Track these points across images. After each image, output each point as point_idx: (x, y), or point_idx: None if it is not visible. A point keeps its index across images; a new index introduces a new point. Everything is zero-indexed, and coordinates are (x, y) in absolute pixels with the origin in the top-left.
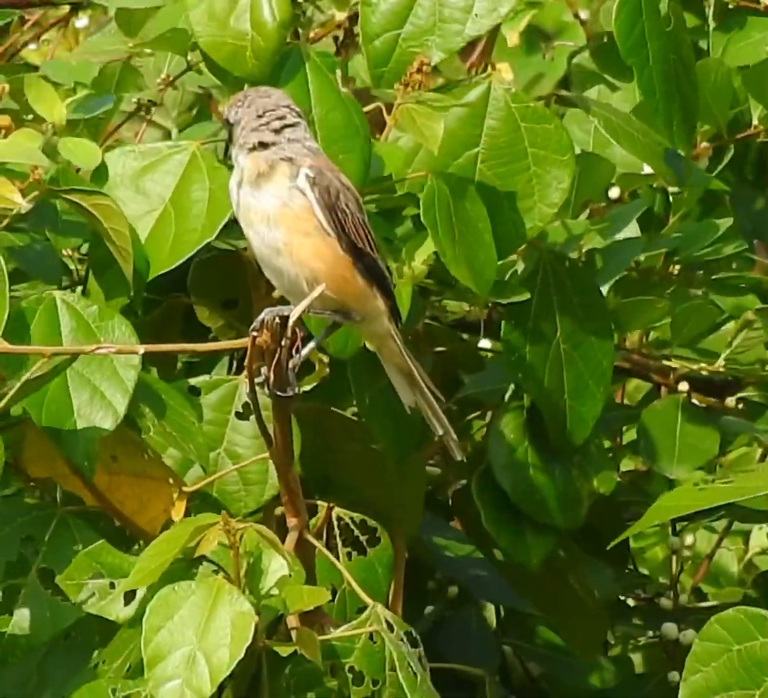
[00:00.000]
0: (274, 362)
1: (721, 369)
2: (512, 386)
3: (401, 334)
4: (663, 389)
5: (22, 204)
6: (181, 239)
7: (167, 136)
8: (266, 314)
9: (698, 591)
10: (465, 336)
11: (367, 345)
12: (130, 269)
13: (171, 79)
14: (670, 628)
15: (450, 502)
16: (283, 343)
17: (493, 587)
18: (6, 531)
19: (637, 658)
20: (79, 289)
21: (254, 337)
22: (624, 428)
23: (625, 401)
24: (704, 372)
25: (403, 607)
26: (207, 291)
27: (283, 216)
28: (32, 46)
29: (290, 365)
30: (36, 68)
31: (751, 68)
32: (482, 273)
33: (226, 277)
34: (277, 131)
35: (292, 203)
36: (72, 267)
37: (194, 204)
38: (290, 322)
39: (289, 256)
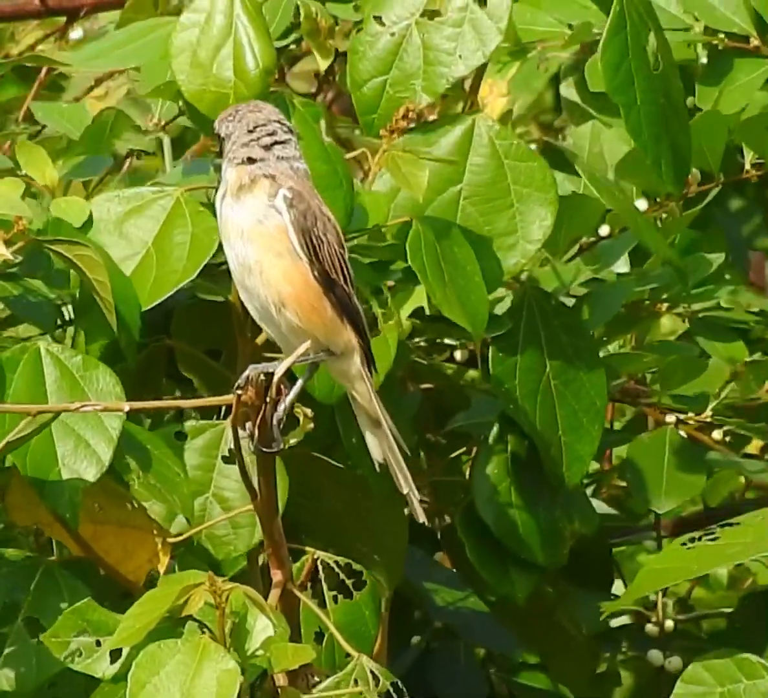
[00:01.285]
0: (259, 419)
1: (709, 420)
2: (497, 422)
3: (373, 379)
4: (650, 417)
5: (7, 255)
6: (161, 280)
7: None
8: (251, 371)
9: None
10: (450, 371)
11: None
12: (113, 319)
13: (163, 123)
14: (655, 655)
15: (438, 535)
16: (267, 399)
17: (479, 627)
18: None
19: (624, 681)
20: (69, 331)
21: (239, 395)
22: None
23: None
24: (692, 422)
25: (388, 638)
26: (191, 338)
27: (256, 232)
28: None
29: (275, 421)
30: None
31: (745, 120)
32: (475, 313)
33: (211, 324)
34: (266, 147)
35: (267, 221)
36: (65, 312)
37: (176, 246)
38: (275, 379)
39: (259, 275)
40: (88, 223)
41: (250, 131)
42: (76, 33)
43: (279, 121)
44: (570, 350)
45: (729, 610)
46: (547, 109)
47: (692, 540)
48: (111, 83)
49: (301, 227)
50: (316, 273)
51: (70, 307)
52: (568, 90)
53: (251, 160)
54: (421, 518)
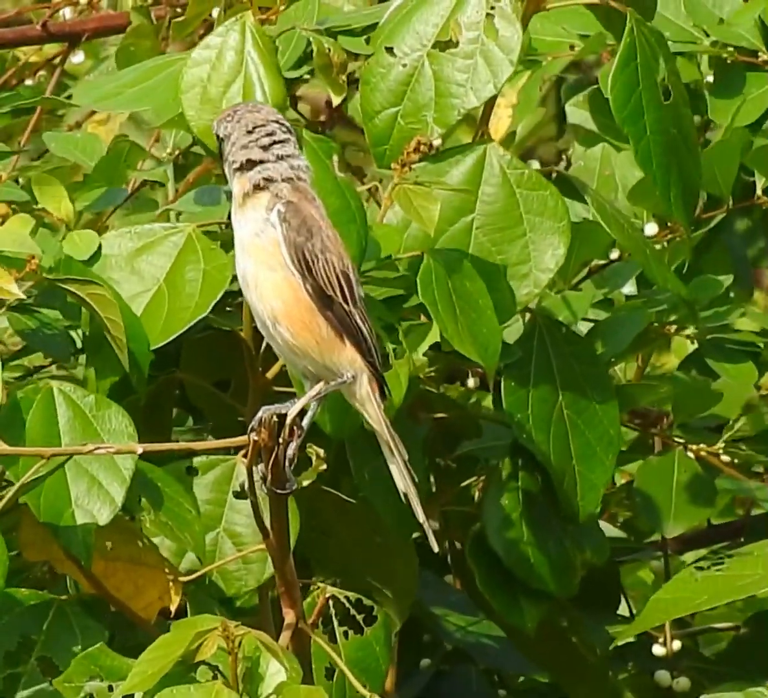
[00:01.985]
0: (272, 460)
1: (720, 451)
2: (508, 451)
3: (385, 404)
4: (657, 438)
5: (18, 294)
6: (173, 317)
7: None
8: (263, 412)
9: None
10: (460, 397)
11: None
12: (125, 357)
13: (177, 153)
14: (663, 676)
15: (448, 560)
16: (280, 440)
17: (491, 649)
18: (4, 620)
19: None
20: (81, 359)
21: (254, 438)
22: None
23: None
24: (703, 453)
25: (398, 661)
26: (201, 370)
27: (253, 246)
28: (28, 82)
29: (287, 462)
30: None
31: (758, 148)
32: (487, 346)
33: (221, 356)
34: (265, 148)
35: (264, 234)
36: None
37: (188, 283)
38: (288, 420)
39: (255, 289)
40: (96, 256)
41: (249, 132)
42: (77, 57)
43: (277, 121)
44: (582, 379)
45: (730, 625)
46: (549, 130)
47: (699, 568)
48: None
49: (293, 242)
50: (309, 288)
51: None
52: (573, 110)
53: (251, 163)
54: (436, 548)
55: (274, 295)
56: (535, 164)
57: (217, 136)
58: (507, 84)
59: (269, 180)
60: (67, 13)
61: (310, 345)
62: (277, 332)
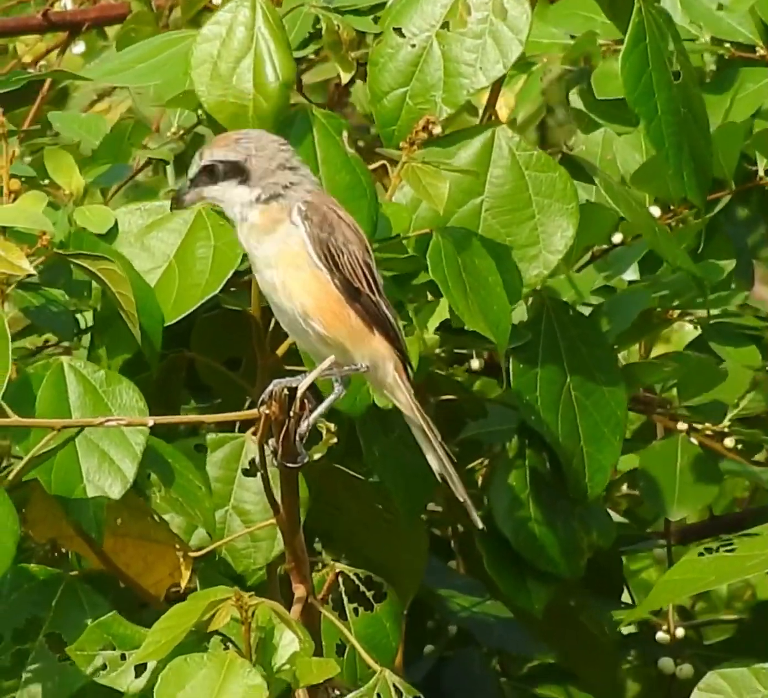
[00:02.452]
0: (283, 433)
1: (726, 430)
2: (515, 433)
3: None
4: (659, 424)
5: (29, 270)
6: (184, 294)
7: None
8: (274, 386)
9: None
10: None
11: (378, 399)
12: (137, 332)
13: (181, 132)
14: (666, 663)
15: (452, 543)
16: (291, 414)
17: (496, 632)
18: (13, 597)
19: (632, 688)
20: (85, 339)
21: (264, 411)
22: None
23: None
24: (709, 432)
25: (403, 646)
26: (210, 349)
27: (280, 254)
28: (31, 71)
29: (298, 436)
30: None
31: (760, 131)
32: (498, 323)
33: (230, 335)
34: (290, 171)
35: (290, 240)
36: (82, 322)
37: (198, 260)
38: (298, 394)
39: (282, 290)
40: (114, 231)
41: (271, 159)
42: (78, 47)
43: (285, 145)
44: (590, 361)
45: (734, 617)
46: (554, 118)
47: (708, 550)
48: (113, 98)
49: (317, 238)
50: (336, 281)
51: (86, 315)
52: (576, 97)
53: (275, 194)
54: (480, 524)
55: (304, 292)
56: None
57: (234, 162)
58: (505, 87)
59: (282, 198)
60: (67, 2)
61: (342, 335)
62: (309, 326)
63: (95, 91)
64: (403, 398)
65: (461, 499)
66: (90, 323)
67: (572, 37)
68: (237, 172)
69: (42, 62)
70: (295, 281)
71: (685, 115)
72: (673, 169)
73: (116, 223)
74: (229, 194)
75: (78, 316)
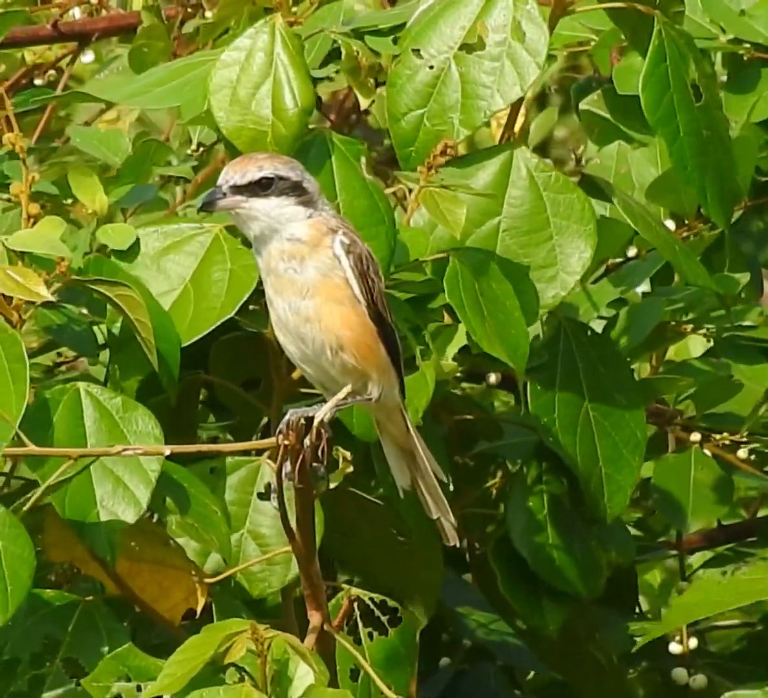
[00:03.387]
0: (299, 462)
1: (744, 439)
2: (532, 450)
3: (410, 414)
4: (671, 435)
5: (47, 296)
6: (199, 317)
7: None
8: (291, 415)
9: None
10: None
11: (375, 420)
12: (155, 359)
13: (201, 151)
14: (680, 674)
15: (467, 558)
16: (307, 442)
17: (513, 648)
18: (30, 622)
19: None
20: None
21: (283, 442)
22: None
23: None
24: (726, 442)
25: (418, 660)
26: (228, 371)
27: (322, 286)
28: (38, 82)
29: (317, 463)
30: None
31: None
32: (516, 348)
33: (247, 357)
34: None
35: (333, 274)
36: (100, 336)
37: (214, 283)
38: (315, 423)
39: (318, 323)
40: (135, 248)
41: (315, 184)
42: (87, 56)
43: None
44: (608, 382)
45: (740, 621)
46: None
47: (723, 573)
48: (122, 107)
49: (359, 272)
50: (371, 314)
51: (103, 327)
52: (587, 108)
53: (321, 219)
54: (452, 541)
55: (343, 325)
56: (549, 162)
57: (289, 177)
58: None
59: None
60: (76, 12)
61: (371, 366)
62: (338, 358)
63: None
64: (400, 420)
65: (435, 516)
66: (106, 337)
67: (596, 30)
68: (295, 190)
69: (51, 71)
70: (333, 315)
71: (708, 137)
72: (696, 190)
73: (137, 241)
74: (283, 211)
75: (96, 329)
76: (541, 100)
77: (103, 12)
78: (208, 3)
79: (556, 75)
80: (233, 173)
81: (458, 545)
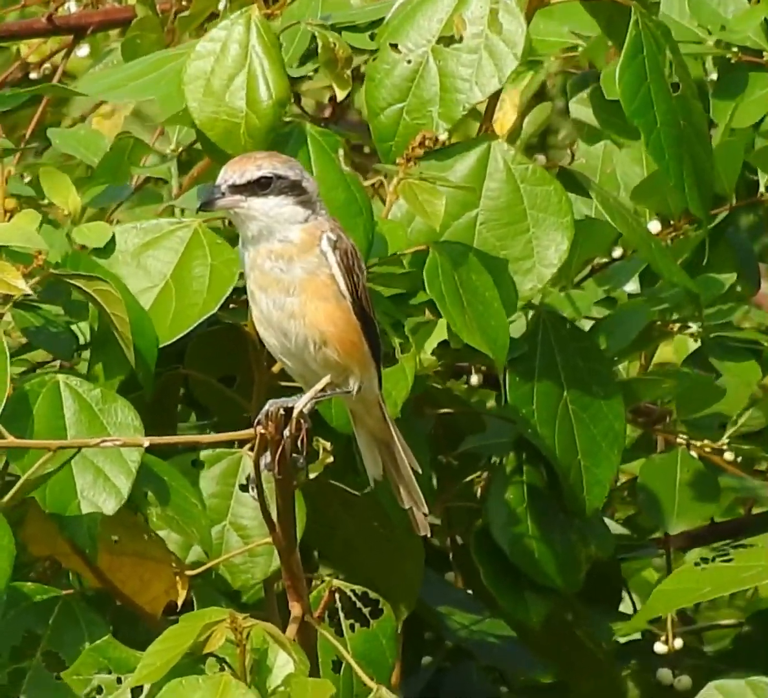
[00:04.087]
0: (279, 453)
1: (725, 447)
2: (512, 445)
3: (389, 409)
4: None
5: (26, 290)
6: (181, 314)
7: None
8: (270, 406)
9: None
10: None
11: (350, 411)
12: (131, 354)
13: (180, 150)
14: (665, 674)
15: (450, 556)
16: (286, 433)
17: (495, 648)
18: (10, 615)
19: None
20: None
21: (261, 433)
22: None
23: None
24: (707, 449)
25: (401, 658)
26: (205, 365)
27: (308, 284)
28: (33, 76)
29: (296, 454)
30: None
31: (761, 149)
32: (496, 339)
33: (225, 352)
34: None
35: (319, 271)
36: (81, 336)
37: (195, 279)
38: (294, 414)
39: (302, 318)
40: (111, 246)
41: (313, 183)
42: (82, 50)
43: None
44: (586, 375)
45: (733, 621)
46: (557, 122)
47: (704, 560)
48: (117, 101)
49: (345, 268)
50: (356, 309)
51: (82, 326)
52: (577, 107)
53: (316, 219)
54: (422, 531)
55: (328, 321)
56: (542, 159)
57: (288, 177)
58: (510, 84)
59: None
60: (72, 6)
61: (354, 362)
62: (321, 353)
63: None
64: (377, 412)
65: (406, 505)
66: (88, 336)
67: (576, 34)
68: (294, 189)
69: (46, 65)
70: (318, 311)
71: (684, 128)
72: (674, 181)
73: (114, 237)
74: (282, 210)
75: (75, 328)
76: (541, 99)
77: (99, 5)
78: None
79: (555, 71)
80: (232, 172)
81: (429, 535)
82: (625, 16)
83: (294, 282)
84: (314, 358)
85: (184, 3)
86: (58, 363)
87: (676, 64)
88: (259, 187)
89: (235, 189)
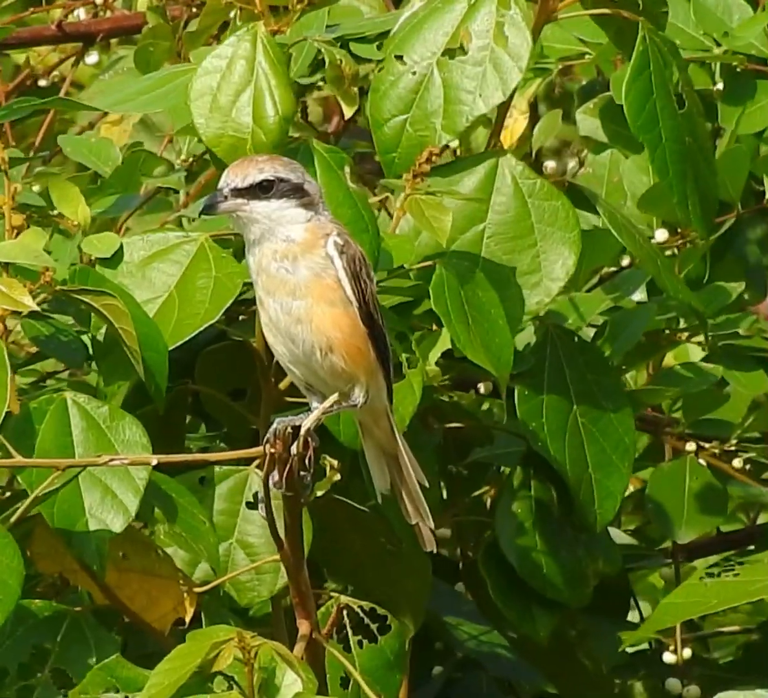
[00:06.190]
0: (287, 471)
1: (733, 448)
2: (520, 461)
3: (397, 421)
4: (668, 445)
5: (32, 306)
6: (183, 322)
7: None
8: (278, 424)
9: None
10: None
11: (359, 423)
12: (140, 368)
13: (191, 161)
14: (673, 684)
15: (459, 567)
16: (293, 451)
17: (503, 659)
18: (19, 632)
19: None
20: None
21: (270, 451)
22: None
23: None
24: (716, 451)
25: (410, 668)
26: (215, 380)
27: (314, 286)
28: (42, 82)
29: (304, 472)
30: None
31: (765, 156)
32: (499, 356)
33: (234, 366)
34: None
35: (325, 274)
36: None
37: (198, 290)
38: (302, 432)
39: (308, 323)
40: (119, 256)
41: (316, 186)
42: (91, 57)
43: None
44: (596, 387)
45: (739, 628)
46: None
47: (709, 575)
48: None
49: (352, 273)
50: (363, 315)
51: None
52: (583, 118)
53: (319, 221)
54: (428, 547)
55: (334, 327)
56: (552, 165)
57: (290, 180)
58: (517, 91)
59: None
60: (81, 13)
61: (360, 369)
62: (327, 360)
63: None
64: (386, 424)
65: (413, 521)
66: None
67: (583, 41)
68: (296, 192)
69: (55, 72)
70: (324, 317)
71: (689, 144)
72: (677, 198)
73: (122, 248)
74: (284, 213)
75: (86, 340)
76: (550, 108)
77: (108, 13)
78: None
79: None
80: (234, 176)
81: (435, 551)
82: (633, 28)
83: (300, 283)
84: (321, 365)
85: (194, 10)
86: (65, 373)
87: (682, 81)
88: (262, 190)
89: (238, 192)
